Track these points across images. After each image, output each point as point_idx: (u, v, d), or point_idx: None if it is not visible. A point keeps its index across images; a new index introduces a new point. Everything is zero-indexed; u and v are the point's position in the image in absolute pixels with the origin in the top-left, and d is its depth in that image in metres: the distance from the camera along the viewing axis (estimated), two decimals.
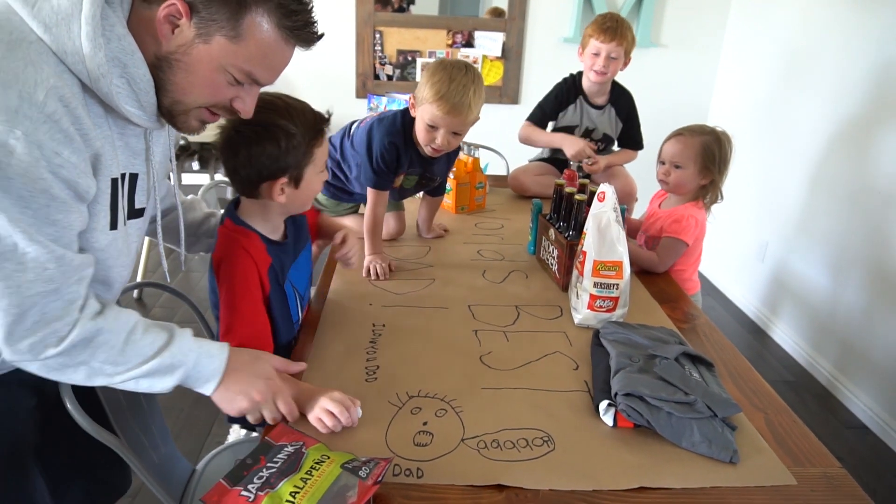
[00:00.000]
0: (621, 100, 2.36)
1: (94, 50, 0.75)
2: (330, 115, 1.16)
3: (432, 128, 1.53)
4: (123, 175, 0.90)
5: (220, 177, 3.19)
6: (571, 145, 2.26)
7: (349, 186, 1.80)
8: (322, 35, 0.90)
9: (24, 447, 1.01)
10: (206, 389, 0.95)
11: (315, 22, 0.88)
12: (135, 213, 0.97)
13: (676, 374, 1.07)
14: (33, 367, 0.82)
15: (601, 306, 1.33)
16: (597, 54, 2.21)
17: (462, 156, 2.09)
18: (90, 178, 0.79)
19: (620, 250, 1.30)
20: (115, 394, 1.18)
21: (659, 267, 1.70)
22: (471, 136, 2.60)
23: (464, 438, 0.99)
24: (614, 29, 2.17)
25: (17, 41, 0.72)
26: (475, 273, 1.63)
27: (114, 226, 0.89)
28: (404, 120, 1.62)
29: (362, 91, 3.47)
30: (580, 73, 2.36)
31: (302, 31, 0.86)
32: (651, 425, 1.00)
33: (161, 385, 0.90)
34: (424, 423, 1.02)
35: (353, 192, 1.82)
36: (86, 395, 1.04)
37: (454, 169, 2.03)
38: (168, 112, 0.88)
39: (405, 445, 0.97)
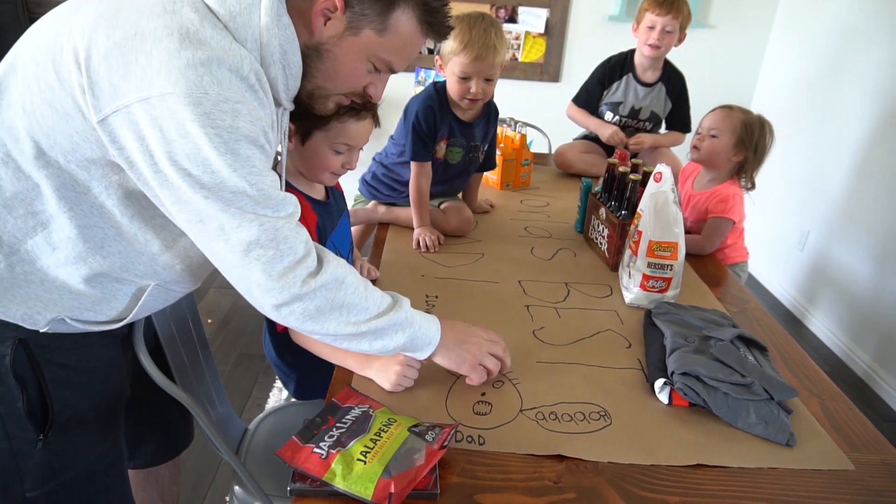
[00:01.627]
0: (673, 79, 2.32)
1: (270, 38, 0.81)
2: (368, 106, 1.16)
3: (464, 79, 1.57)
4: None
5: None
6: (603, 131, 2.30)
7: (392, 180, 1.80)
8: (452, 27, 0.97)
9: (120, 401, 1.06)
10: (424, 353, 1.00)
11: (450, 17, 0.94)
12: None
13: (733, 356, 1.08)
14: (297, 312, 0.87)
15: (654, 287, 1.33)
16: (651, 27, 2.18)
17: (509, 132, 2.09)
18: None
19: (676, 231, 1.30)
20: (178, 352, 1.22)
21: (705, 248, 1.70)
22: (513, 113, 2.60)
23: (522, 409, 1.01)
24: (670, 2, 2.15)
25: (213, 25, 0.77)
26: (523, 249, 1.64)
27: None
28: (437, 87, 1.67)
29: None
30: (631, 51, 2.32)
31: (440, 26, 0.93)
32: (707, 405, 1.01)
33: (393, 342, 0.95)
34: (483, 394, 1.04)
35: (396, 187, 1.81)
36: (153, 355, 1.09)
37: (501, 145, 2.03)
38: (308, 95, 0.95)
39: (465, 413, 0.99)
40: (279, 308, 0.86)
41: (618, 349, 1.20)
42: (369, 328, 0.92)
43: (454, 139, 1.70)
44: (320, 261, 0.89)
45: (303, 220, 1.16)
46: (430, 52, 3.50)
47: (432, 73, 2.99)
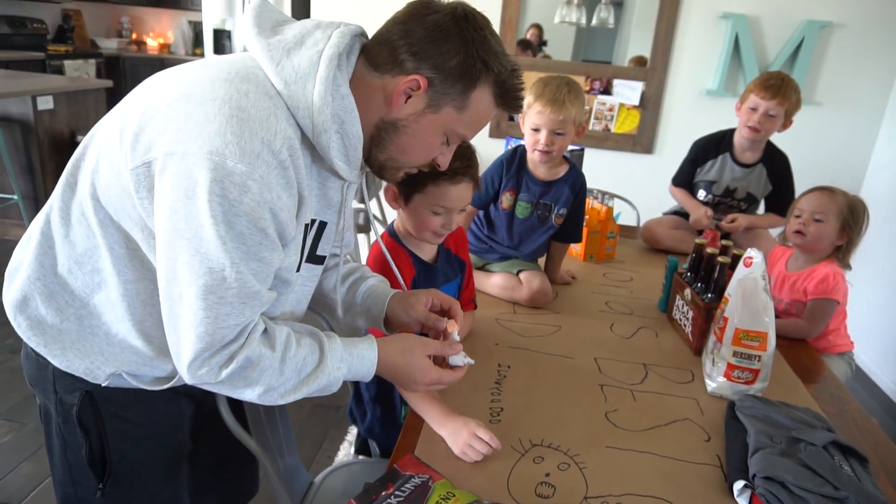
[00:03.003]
0: (775, 161, 2.25)
1: (323, 107, 0.83)
2: (464, 170, 1.20)
3: (535, 131, 1.67)
4: (314, 221, 0.96)
5: (354, 203, 3.37)
6: (693, 211, 2.26)
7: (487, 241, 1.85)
8: (524, 99, 0.99)
9: (181, 453, 1.09)
10: (365, 380, 1.00)
11: (523, 90, 0.95)
12: (315, 259, 1.02)
13: (825, 465, 0.99)
14: (212, 388, 0.87)
15: (739, 377, 1.26)
16: (754, 109, 2.14)
17: (595, 204, 2.08)
18: (294, 223, 0.86)
19: (766, 321, 1.23)
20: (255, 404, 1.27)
21: (811, 332, 1.62)
22: (604, 184, 2.59)
23: (587, 496, 0.97)
24: (777, 87, 2.09)
25: (263, 93, 0.81)
26: (602, 325, 1.60)
27: (298, 268, 0.96)
28: (518, 147, 1.79)
29: (496, 131, 3.55)
30: (731, 130, 2.28)
31: (514, 101, 0.94)
32: None
33: (322, 394, 0.95)
34: (547, 475, 1.01)
35: (492, 246, 1.84)
36: (230, 403, 1.11)
37: (586, 217, 2.02)
38: (380, 166, 0.96)
39: (527, 494, 0.96)
40: (191, 378, 0.85)
41: (695, 442, 1.14)
42: (286, 399, 0.90)
43: (523, 193, 1.77)
44: (247, 339, 0.85)
45: (403, 273, 1.25)
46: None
47: (522, 141, 3.04)
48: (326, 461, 2.21)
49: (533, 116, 1.65)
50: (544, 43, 3.63)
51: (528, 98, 1.64)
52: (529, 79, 3.56)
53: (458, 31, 0.86)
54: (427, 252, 1.38)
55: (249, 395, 0.88)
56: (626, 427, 1.16)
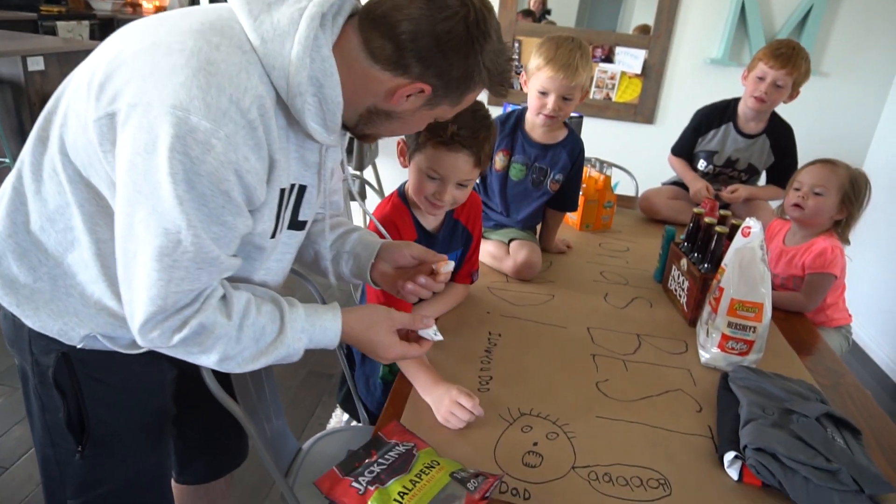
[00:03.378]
0: (779, 132, 2.20)
1: (300, 69, 0.78)
2: (460, 136, 1.17)
3: (542, 94, 1.61)
4: (293, 186, 0.92)
5: (350, 170, 3.32)
6: (692, 184, 2.22)
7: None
8: (511, 84, 0.96)
9: (165, 418, 1.07)
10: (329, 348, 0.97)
11: (509, 78, 0.94)
12: (296, 225, 0.99)
13: (818, 437, 0.97)
14: (166, 352, 0.84)
15: (733, 348, 1.24)
16: (761, 79, 2.08)
17: (593, 173, 2.04)
18: (264, 187, 0.82)
19: (763, 291, 1.20)
20: None
21: (808, 306, 1.60)
22: (603, 153, 2.54)
23: (574, 466, 0.95)
24: (787, 56, 2.03)
25: (236, 47, 0.76)
26: (597, 295, 1.57)
27: (274, 234, 0.92)
28: (516, 110, 1.74)
29: (494, 98, 3.49)
30: (735, 100, 2.22)
31: (501, 90, 0.94)
32: (783, 487, 0.91)
33: (285, 363, 0.92)
34: (535, 444, 0.99)
35: (487, 213, 1.80)
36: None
37: (584, 185, 1.98)
38: (362, 136, 0.95)
39: (513, 463, 0.94)
40: (143, 341, 0.82)
41: (687, 412, 1.12)
42: (245, 368, 0.87)
43: (517, 155, 1.72)
44: (202, 305, 0.82)
45: (404, 236, 1.26)
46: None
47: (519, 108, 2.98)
48: (318, 427, 2.20)
49: (542, 80, 1.59)
50: (548, 12, 3.54)
51: (536, 60, 1.60)
52: (529, 45, 3.49)
53: (468, 40, 0.82)
54: (431, 220, 1.35)
55: (205, 361, 0.85)
56: (617, 397, 1.14)
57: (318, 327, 0.92)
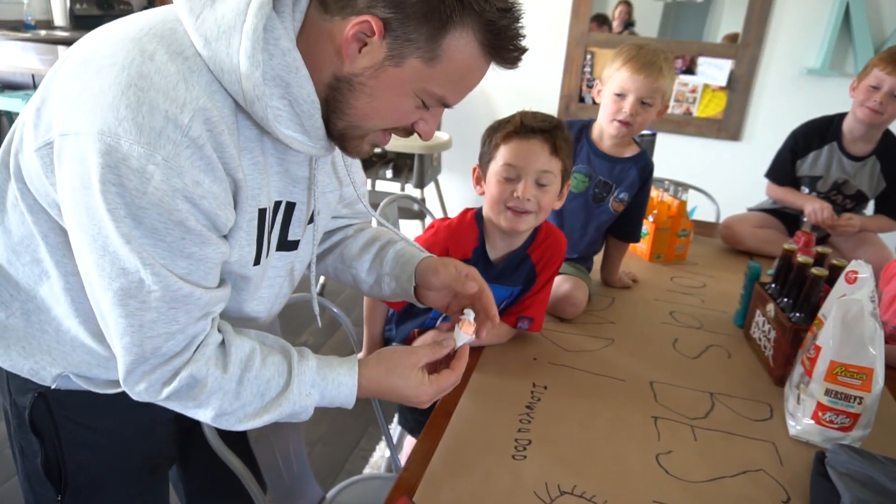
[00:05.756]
0: (892, 153, 1.90)
1: (252, 68, 0.66)
2: (529, 122, 1.14)
3: (620, 96, 1.46)
4: (278, 203, 0.81)
5: (409, 188, 3.23)
6: (808, 206, 1.92)
7: None
8: (526, 50, 0.75)
9: (156, 462, 0.99)
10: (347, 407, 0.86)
11: (523, 37, 0.73)
12: (287, 245, 0.88)
13: None
14: (162, 404, 0.77)
15: (832, 421, 1.01)
16: (876, 87, 1.80)
17: (666, 197, 1.83)
18: (230, 210, 0.71)
19: (873, 354, 0.97)
20: None
21: None
22: (680, 175, 2.31)
23: None
24: None
25: (175, 54, 0.66)
26: (664, 341, 1.37)
27: (257, 261, 0.80)
28: (586, 121, 1.59)
29: (565, 113, 3.30)
30: (839, 115, 1.95)
31: (508, 50, 0.73)
32: None
33: (294, 421, 0.83)
34: None
35: None
36: None
37: (654, 211, 1.77)
38: (340, 135, 0.78)
39: None
40: (134, 395, 0.75)
41: (770, 502, 0.91)
42: (246, 425, 0.78)
43: (580, 165, 1.55)
44: (193, 355, 0.74)
45: (454, 254, 1.17)
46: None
47: None
48: (361, 462, 2.09)
49: (620, 80, 1.45)
50: (631, 24, 3.31)
51: (614, 63, 1.48)
52: (603, 58, 3.27)
53: None
54: (498, 248, 1.23)
55: (202, 416, 0.76)
56: (680, 476, 0.94)
57: (330, 382, 0.81)
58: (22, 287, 0.79)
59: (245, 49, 0.65)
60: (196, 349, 0.73)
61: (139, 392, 0.73)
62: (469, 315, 0.91)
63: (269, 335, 0.83)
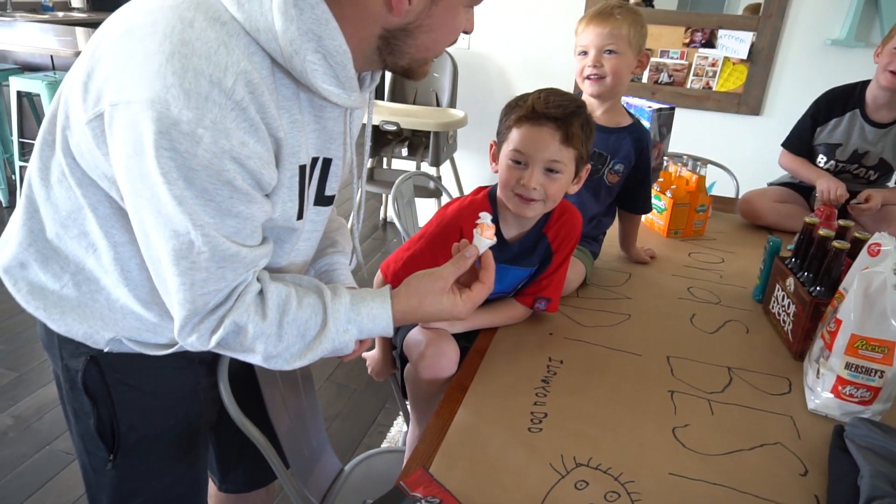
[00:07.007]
0: None
1: (287, 23, 0.68)
2: (542, 107, 1.08)
3: (583, 55, 1.45)
4: (315, 160, 0.84)
5: (425, 166, 3.21)
6: (819, 181, 1.88)
7: None
8: None
9: (198, 426, 1.02)
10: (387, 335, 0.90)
11: None
12: (324, 201, 0.91)
13: None
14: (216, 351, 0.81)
15: (851, 395, 1.00)
16: None
17: (685, 172, 1.80)
18: (273, 169, 0.74)
19: (895, 327, 0.96)
20: (273, 379, 1.16)
21: None
22: (701, 148, 2.28)
23: None
24: None
25: (213, 20, 0.67)
26: (682, 316, 1.36)
27: (300, 215, 0.84)
28: (580, 94, 1.53)
29: (580, 90, 3.26)
30: (862, 83, 1.89)
31: None
32: None
33: (338, 354, 0.87)
34: None
35: None
36: (249, 379, 1.04)
37: (673, 186, 1.75)
38: (405, 70, 0.83)
39: None
40: (186, 345, 0.79)
41: (788, 475, 0.90)
42: (294, 365, 0.82)
43: None
44: (235, 303, 0.78)
45: (462, 231, 1.15)
46: None
47: None
48: (378, 437, 2.12)
49: (579, 39, 1.45)
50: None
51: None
52: None
53: None
54: (512, 228, 1.21)
55: (253, 359, 0.82)
56: (697, 449, 0.94)
57: (365, 316, 0.86)
58: (71, 259, 0.82)
59: (277, 5, 0.67)
60: (237, 298, 0.77)
61: (191, 342, 0.77)
62: (486, 218, 0.91)
63: (304, 277, 0.88)
